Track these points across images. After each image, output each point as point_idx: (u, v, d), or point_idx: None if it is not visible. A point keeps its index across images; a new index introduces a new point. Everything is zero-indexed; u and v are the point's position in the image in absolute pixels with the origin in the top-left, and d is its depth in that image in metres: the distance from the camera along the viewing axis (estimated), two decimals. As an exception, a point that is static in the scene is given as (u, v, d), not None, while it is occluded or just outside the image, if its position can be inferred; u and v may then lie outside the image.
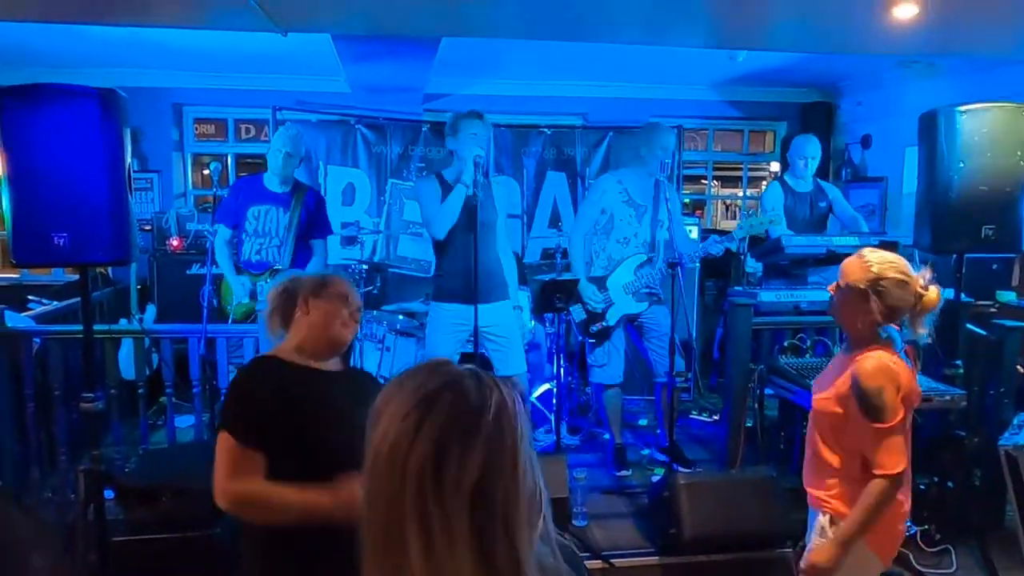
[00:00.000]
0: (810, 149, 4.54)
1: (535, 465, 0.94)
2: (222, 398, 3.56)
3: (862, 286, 2.00)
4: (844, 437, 2.07)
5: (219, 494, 1.78)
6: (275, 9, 3.18)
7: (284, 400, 1.82)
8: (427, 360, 1.01)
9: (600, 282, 4.01)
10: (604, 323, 4.01)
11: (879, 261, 2.02)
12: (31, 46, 4.90)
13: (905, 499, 2.10)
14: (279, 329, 1.98)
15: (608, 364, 4.06)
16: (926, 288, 2.00)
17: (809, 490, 2.20)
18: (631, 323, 4.08)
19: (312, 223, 4.06)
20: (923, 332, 2.04)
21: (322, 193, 5.45)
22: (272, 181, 4.00)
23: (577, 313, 4.08)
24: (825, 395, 2.12)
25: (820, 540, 2.09)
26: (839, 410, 2.06)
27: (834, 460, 2.09)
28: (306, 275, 2.05)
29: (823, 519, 2.11)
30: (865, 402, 1.97)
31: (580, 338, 4.18)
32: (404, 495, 0.88)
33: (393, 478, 0.89)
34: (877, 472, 1.96)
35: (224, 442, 1.80)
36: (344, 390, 1.92)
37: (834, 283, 2.13)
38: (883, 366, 1.97)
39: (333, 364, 2.00)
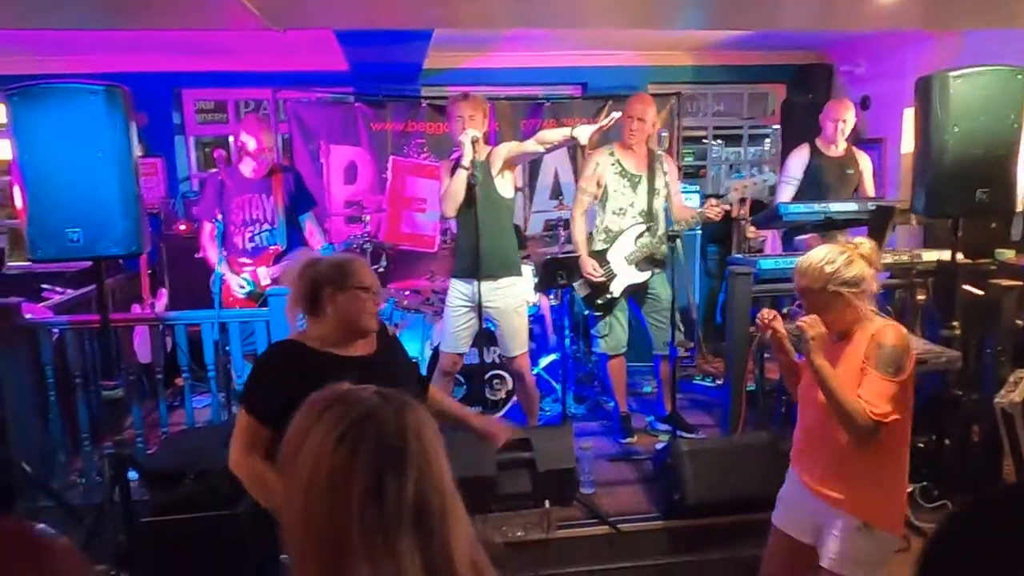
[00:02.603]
0: (844, 113, 4.46)
1: (449, 469, 1.02)
2: (242, 377, 3.68)
3: (830, 288, 2.12)
4: None
5: (232, 464, 1.99)
6: (271, 10, 3.23)
7: (305, 387, 1.85)
8: (330, 388, 1.07)
9: (601, 255, 4.06)
10: (610, 295, 4.07)
11: (820, 258, 2.15)
12: (30, 33, 4.92)
13: (905, 471, 2.22)
14: (300, 315, 2.02)
15: (610, 335, 4.14)
16: (860, 248, 2.17)
17: (826, 491, 2.21)
18: (632, 294, 4.15)
19: (295, 201, 4.14)
20: (877, 286, 2.22)
21: (325, 172, 5.53)
22: (249, 169, 4.05)
23: (581, 287, 4.15)
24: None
25: (853, 544, 2.14)
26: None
27: (868, 456, 2.13)
28: (324, 260, 2.04)
29: (856, 521, 2.14)
30: (887, 356, 2.07)
31: (585, 311, 4.23)
32: (350, 524, 0.94)
33: (335, 508, 0.95)
34: (875, 411, 2.05)
35: (242, 418, 1.99)
36: (367, 377, 1.95)
37: (803, 313, 2.21)
38: (901, 332, 2.12)
39: (362, 347, 2.06)
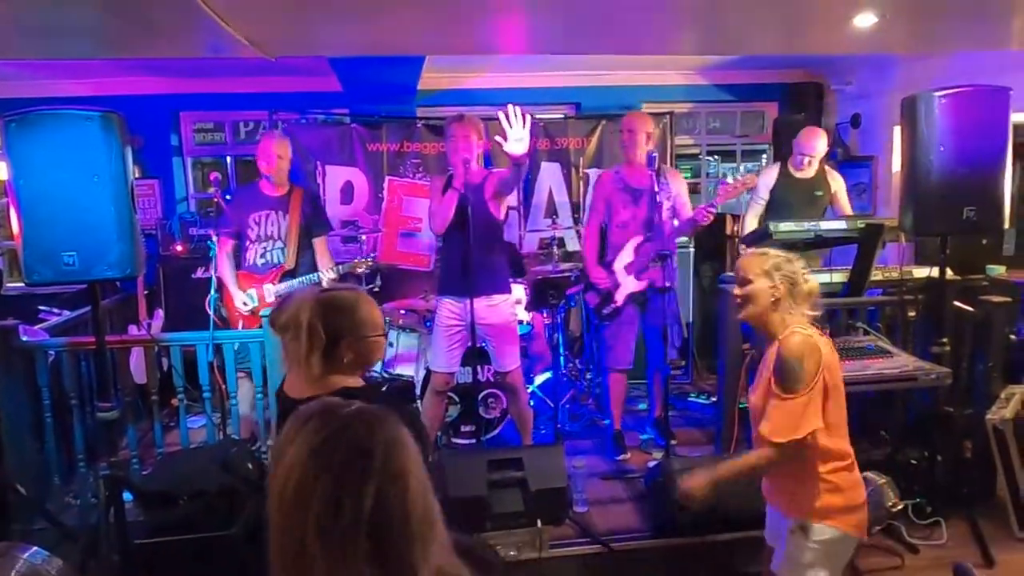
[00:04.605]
0: (814, 147, 4.51)
1: (427, 487, 1.05)
2: (235, 398, 3.71)
3: (766, 267, 2.23)
4: None
5: None
6: (262, 41, 3.30)
7: None
8: (322, 402, 1.12)
9: (607, 267, 4.21)
10: (614, 304, 4.18)
11: (761, 251, 2.30)
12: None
13: (855, 469, 2.26)
14: (313, 363, 1.86)
15: (615, 347, 4.21)
16: (807, 275, 2.27)
17: (771, 499, 2.36)
18: (641, 305, 4.21)
19: (311, 223, 4.16)
20: (813, 313, 2.28)
21: (321, 192, 5.57)
22: (268, 187, 4.09)
23: (590, 298, 4.31)
24: (760, 395, 2.24)
25: (794, 545, 2.20)
26: None
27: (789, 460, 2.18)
28: (332, 306, 1.89)
29: (792, 523, 2.21)
30: (782, 371, 2.11)
31: (595, 322, 4.44)
32: (307, 531, 0.98)
33: (299, 516, 0.99)
34: (763, 433, 2.13)
35: None
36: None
37: (738, 289, 2.31)
38: (807, 340, 2.14)
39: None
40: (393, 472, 1.02)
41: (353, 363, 1.92)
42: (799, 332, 2.16)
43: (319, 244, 4.20)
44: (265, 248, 4.08)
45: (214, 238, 4.02)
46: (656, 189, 3.96)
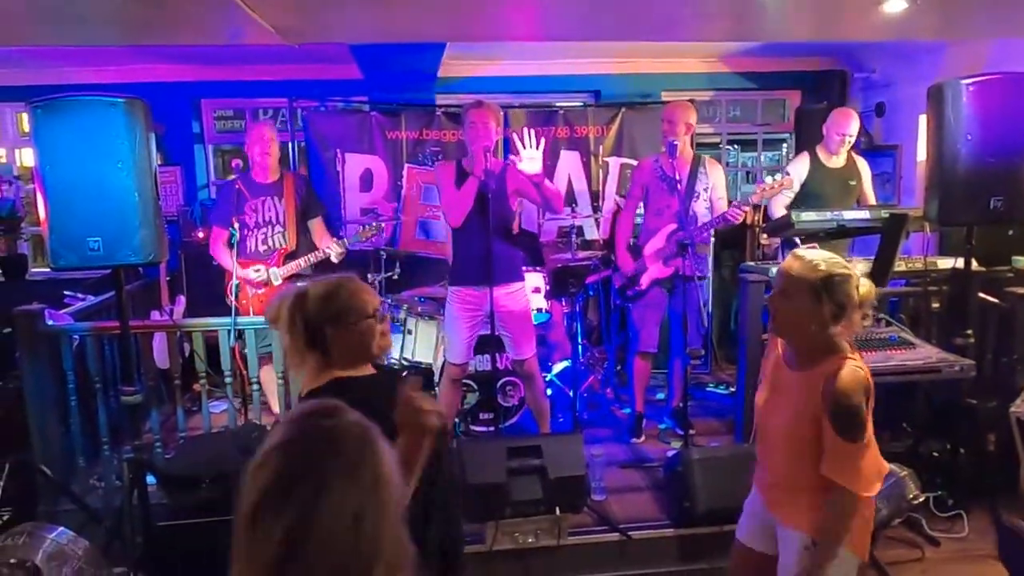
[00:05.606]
0: (851, 126, 4.39)
1: (390, 523, 0.96)
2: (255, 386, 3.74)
3: (815, 283, 1.93)
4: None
5: None
6: (285, 27, 3.30)
7: None
8: (302, 407, 1.06)
9: (637, 251, 4.27)
10: (637, 288, 4.24)
11: (823, 258, 1.98)
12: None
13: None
14: (308, 358, 1.82)
15: (642, 330, 4.26)
16: (859, 280, 1.99)
17: (777, 509, 2.18)
18: (667, 291, 4.21)
19: (306, 205, 4.23)
20: (866, 323, 2.07)
21: (340, 180, 5.59)
22: (260, 174, 4.16)
23: (617, 280, 4.42)
24: (788, 418, 2.07)
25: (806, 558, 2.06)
26: (813, 432, 1.98)
27: (813, 478, 2.01)
28: (310, 295, 1.83)
29: (806, 539, 2.06)
30: (843, 421, 1.89)
31: (619, 303, 4.55)
32: (235, 541, 0.95)
33: (236, 525, 0.96)
34: (851, 488, 1.94)
35: None
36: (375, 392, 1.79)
37: (774, 298, 2.04)
38: (860, 379, 1.91)
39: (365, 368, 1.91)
40: (317, 509, 0.93)
41: (345, 352, 1.82)
42: (852, 365, 1.91)
43: (316, 225, 4.26)
44: (266, 234, 4.15)
45: (235, 225, 4.03)
46: (679, 177, 3.95)
